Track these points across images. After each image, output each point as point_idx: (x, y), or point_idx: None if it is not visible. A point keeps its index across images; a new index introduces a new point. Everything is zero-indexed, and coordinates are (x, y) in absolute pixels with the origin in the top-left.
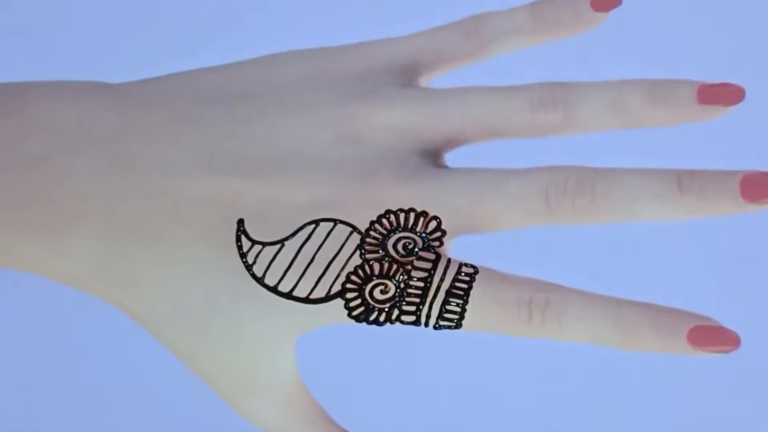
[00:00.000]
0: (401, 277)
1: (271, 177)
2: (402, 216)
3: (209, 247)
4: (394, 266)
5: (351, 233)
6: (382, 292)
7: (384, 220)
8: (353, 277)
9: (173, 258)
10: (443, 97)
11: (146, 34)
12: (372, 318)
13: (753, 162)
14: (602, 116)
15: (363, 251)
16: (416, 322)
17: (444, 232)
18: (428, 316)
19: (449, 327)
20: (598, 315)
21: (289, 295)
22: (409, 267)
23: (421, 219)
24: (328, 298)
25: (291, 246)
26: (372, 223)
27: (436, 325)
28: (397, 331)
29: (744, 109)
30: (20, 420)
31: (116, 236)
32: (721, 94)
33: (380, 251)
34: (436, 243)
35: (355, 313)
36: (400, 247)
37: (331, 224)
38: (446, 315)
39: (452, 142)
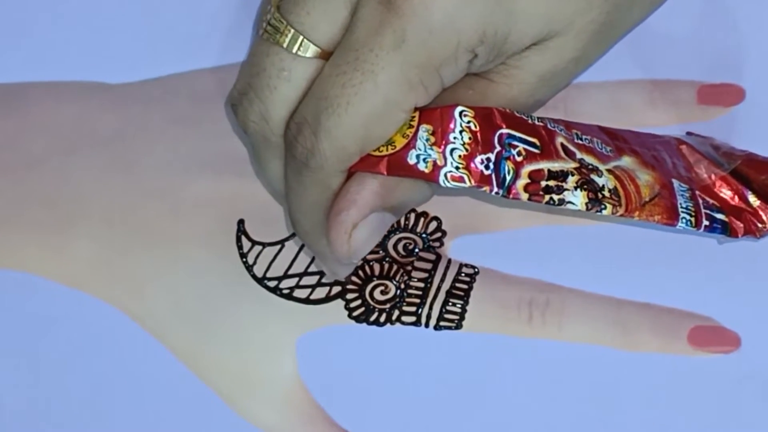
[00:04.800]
0: (401, 277)
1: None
2: (402, 216)
3: (209, 247)
4: (395, 267)
5: None
6: (382, 292)
7: None
8: (353, 278)
9: (173, 258)
10: None
11: (146, 34)
12: (372, 319)
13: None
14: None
15: None
16: (416, 323)
17: (444, 233)
18: (428, 317)
19: (450, 327)
20: (599, 315)
21: (289, 296)
22: (409, 267)
23: (422, 219)
24: (328, 298)
25: (291, 246)
26: None
27: (437, 326)
28: (398, 332)
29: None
30: (20, 420)
31: (116, 236)
32: (721, 95)
33: (380, 251)
34: (437, 243)
35: (355, 313)
36: (400, 247)
37: None
38: (446, 316)
39: None
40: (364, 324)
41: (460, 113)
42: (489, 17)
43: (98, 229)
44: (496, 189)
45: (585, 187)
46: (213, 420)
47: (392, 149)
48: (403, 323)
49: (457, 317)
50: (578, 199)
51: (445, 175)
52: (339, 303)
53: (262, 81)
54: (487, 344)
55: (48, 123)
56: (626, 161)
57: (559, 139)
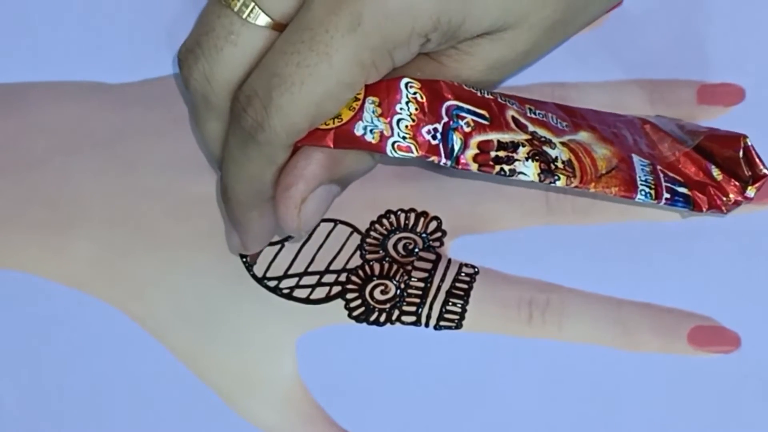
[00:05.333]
0: (401, 277)
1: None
2: (402, 216)
3: (209, 247)
4: (395, 266)
5: (351, 233)
6: (382, 292)
7: (384, 221)
8: (353, 278)
9: (173, 258)
10: None
11: (147, 34)
12: (372, 318)
13: None
14: None
15: (363, 251)
16: (417, 323)
17: (444, 233)
18: (428, 317)
19: (450, 327)
20: (599, 315)
21: (289, 296)
22: (409, 267)
23: (422, 219)
24: (328, 298)
25: (291, 246)
26: (372, 223)
27: (437, 326)
28: (398, 332)
29: (744, 109)
30: (20, 420)
31: (116, 237)
32: (721, 95)
33: (380, 251)
34: (437, 243)
35: (355, 313)
36: (400, 247)
37: (332, 225)
38: (447, 315)
39: None
40: (364, 324)
41: (406, 84)
42: (445, 5)
43: (98, 229)
44: (444, 159)
45: (537, 158)
46: (213, 420)
47: (339, 122)
48: (403, 323)
49: (457, 317)
50: (530, 169)
51: (393, 145)
52: (339, 303)
53: (210, 41)
54: (487, 344)
55: (48, 123)
56: (583, 136)
57: (510, 112)
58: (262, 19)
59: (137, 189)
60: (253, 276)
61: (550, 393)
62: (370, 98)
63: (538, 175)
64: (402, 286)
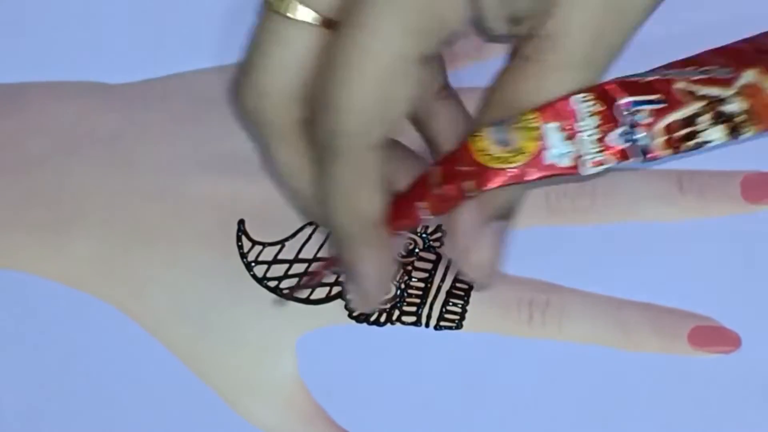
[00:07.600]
0: (401, 277)
1: (271, 177)
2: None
3: (209, 247)
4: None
5: None
6: None
7: None
8: None
9: (173, 258)
10: None
11: (146, 34)
12: (372, 319)
13: (755, 163)
14: None
15: None
16: (417, 323)
17: (444, 233)
18: (429, 317)
19: (450, 327)
20: (599, 316)
21: (289, 296)
22: (409, 267)
23: None
24: (328, 298)
25: (291, 246)
26: None
27: (437, 326)
28: (398, 332)
29: None
30: (20, 420)
31: (116, 236)
32: None
33: None
34: (437, 243)
35: (355, 313)
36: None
37: None
38: (447, 316)
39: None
40: (364, 324)
41: (579, 99)
42: None
43: (98, 229)
44: (637, 158)
45: (720, 120)
46: (213, 420)
47: (529, 157)
48: (403, 323)
49: (457, 317)
50: (717, 134)
51: (588, 164)
52: (339, 303)
53: (258, 50)
54: (487, 344)
55: (48, 123)
56: (749, 75)
57: (678, 85)
58: (312, 16)
59: (137, 189)
60: (254, 276)
61: (550, 393)
62: (550, 124)
63: (728, 135)
64: (402, 286)
